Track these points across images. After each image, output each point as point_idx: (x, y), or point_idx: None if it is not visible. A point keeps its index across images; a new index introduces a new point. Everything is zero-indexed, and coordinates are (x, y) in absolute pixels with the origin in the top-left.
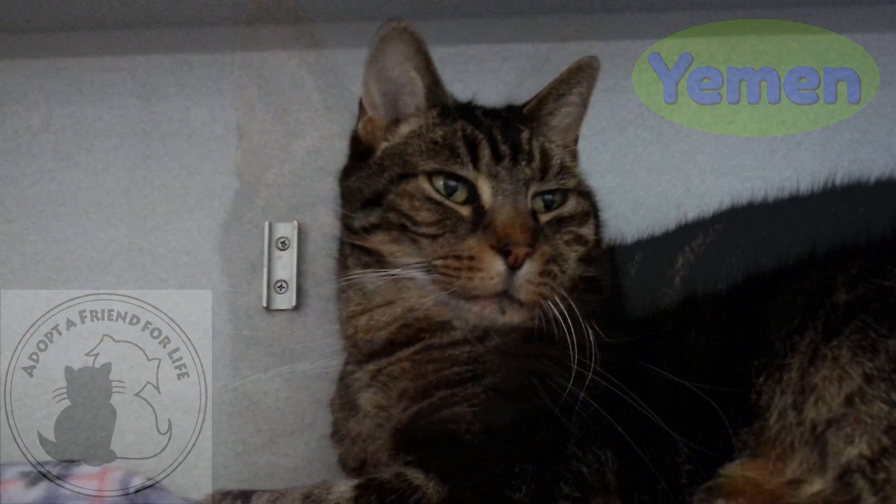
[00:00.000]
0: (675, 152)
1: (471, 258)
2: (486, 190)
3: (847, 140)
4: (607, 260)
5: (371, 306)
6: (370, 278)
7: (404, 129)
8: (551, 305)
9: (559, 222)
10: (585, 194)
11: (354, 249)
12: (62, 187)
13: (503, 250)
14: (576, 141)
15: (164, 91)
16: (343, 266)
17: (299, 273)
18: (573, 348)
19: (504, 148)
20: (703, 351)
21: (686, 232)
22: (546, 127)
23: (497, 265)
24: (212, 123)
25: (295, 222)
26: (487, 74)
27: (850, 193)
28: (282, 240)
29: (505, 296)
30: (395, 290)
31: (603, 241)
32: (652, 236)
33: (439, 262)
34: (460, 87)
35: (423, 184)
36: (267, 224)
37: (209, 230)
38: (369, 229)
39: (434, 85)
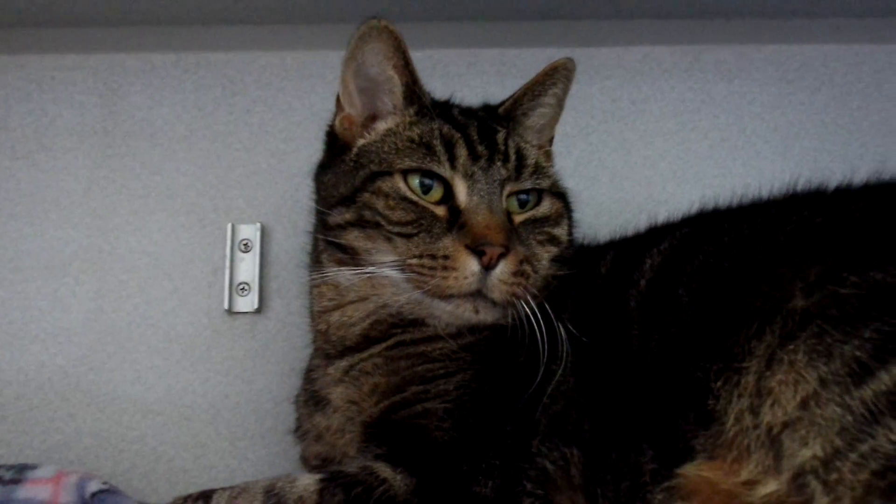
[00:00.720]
0: (638, 159)
1: (445, 257)
2: (461, 190)
3: (805, 149)
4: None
5: (344, 302)
6: (344, 275)
7: (381, 127)
8: (524, 304)
9: (533, 223)
10: (559, 195)
11: (329, 245)
12: (20, 186)
13: (478, 250)
14: (551, 141)
15: (126, 90)
16: (316, 262)
17: (262, 275)
18: (543, 346)
19: (481, 148)
20: (664, 355)
21: (654, 235)
22: (521, 127)
23: (472, 265)
24: (175, 123)
25: (258, 224)
26: (453, 79)
27: (808, 201)
28: (244, 242)
29: (479, 295)
30: (370, 286)
31: (575, 241)
32: (623, 238)
33: (414, 262)
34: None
35: (399, 182)
36: (230, 226)
37: (171, 231)
38: (344, 226)
39: (412, 83)
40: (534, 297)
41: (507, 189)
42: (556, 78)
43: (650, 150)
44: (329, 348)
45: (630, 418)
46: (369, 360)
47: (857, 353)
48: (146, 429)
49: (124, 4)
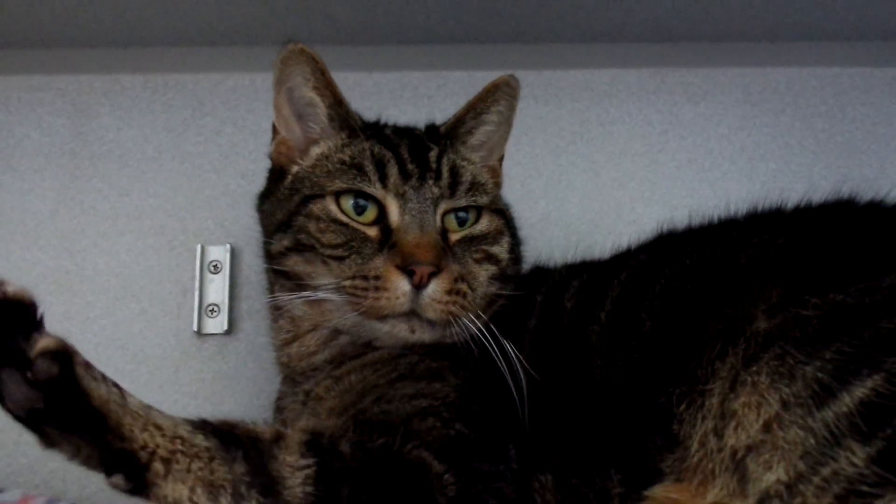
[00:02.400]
0: (607, 180)
1: (377, 278)
2: (393, 209)
3: (771, 170)
4: (533, 280)
5: (301, 332)
6: (295, 304)
7: (315, 152)
8: (468, 323)
9: (471, 241)
10: (499, 212)
11: (277, 275)
12: None
13: (408, 270)
14: (501, 160)
15: (94, 111)
16: (271, 293)
17: (232, 297)
18: (502, 365)
19: (412, 167)
20: (628, 382)
21: (615, 264)
22: (464, 146)
23: (402, 285)
24: (143, 144)
25: (228, 245)
26: (423, 101)
27: (768, 222)
28: (214, 263)
29: (413, 315)
30: (319, 313)
31: (521, 259)
32: (586, 264)
33: (347, 283)
34: (395, 113)
35: (330, 205)
36: (199, 247)
37: (139, 253)
38: (284, 253)
39: (336, 105)
40: (476, 316)
41: (442, 207)
42: (497, 95)
43: (619, 172)
44: (295, 376)
45: (596, 444)
46: (321, 384)
47: (819, 375)
48: None
49: (92, 25)
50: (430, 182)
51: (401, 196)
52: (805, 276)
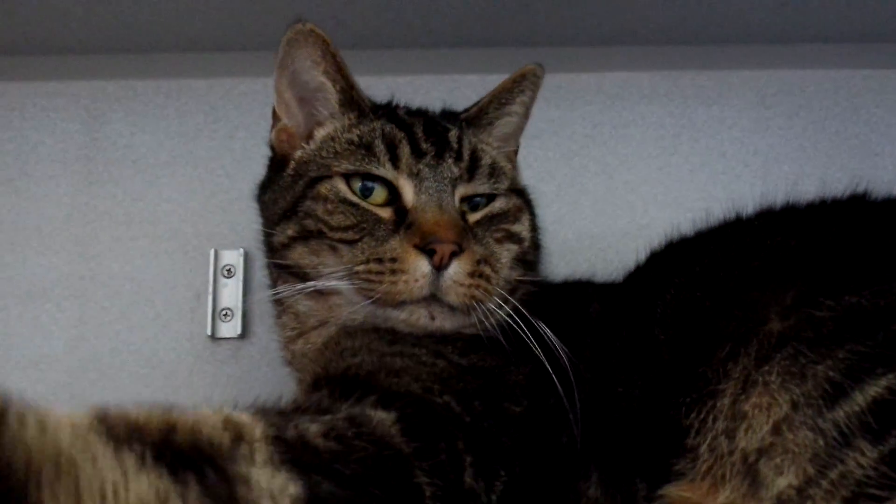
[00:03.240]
0: (620, 183)
1: (393, 260)
2: (407, 189)
3: (784, 172)
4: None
5: (306, 329)
6: (299, 299)
7: (320, 134)
8: (493, 308)
9: (489, 220)
10: (518, 192)
11: (280, 271)
12: (1, 213)
13: (427, 249)
14: (515, 152)
15: (108, 116)
16: (273, 288)
17: (245, 301)
18: (540, 355)
19: (426, 145)
20: (641, 383)
21: (631, 284)
22: (486, 135)
23: (422, 266)
24: (157, 150)
25: (241, 250)
26: (435, 104)
27: (781, 224)
28: (227, 267)
29: (433, 300)
30: (326, 307)
31: (541, 246)
32: (605, 286)
33: (360, 268)
34: None
35: (339, 184)
36: (212, 251)
37: (153, 257)
38: (288, 244)
39: (348, 89)
40: (504, 300)
41: (460, 190)
42: (524, 85)
43: (631, 175)
44: (297, 371)
45: (624, 454)
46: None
47: (831, 374)
48: None
49: (106, 32)
50: (450, 161)
51: (415, 175)
52: (819, 279)
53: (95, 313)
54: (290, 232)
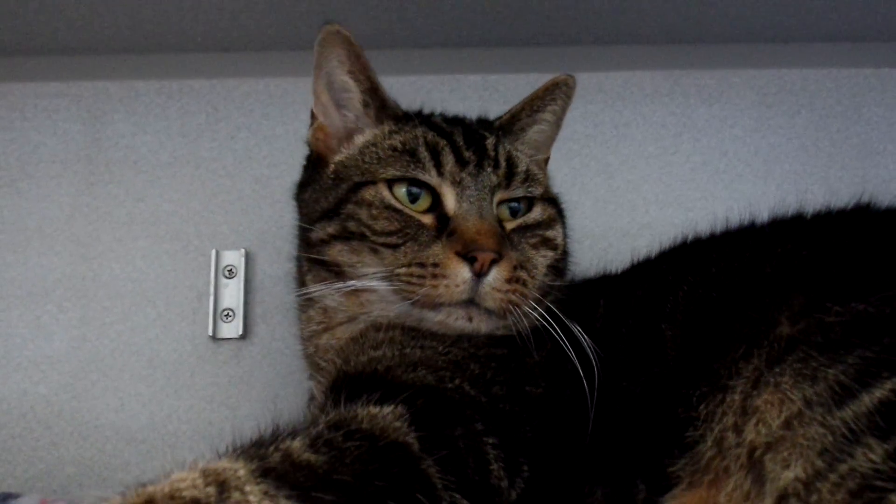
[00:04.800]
0: (621, 183)
1: (435, 265)
2: (449, 197)
3: (786, 171)
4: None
5: (333, 324)
6: (330, 293)
7: (359, 140)
8: (528, 311)
9: (525, 228)
10: (551, 201)
11: (313, 265)
12: (3, 214)
13: (469, 257)
14: (546, 162)
15: (109, 117)
16: (301, 284)
17: (247, 301)
18: (571, 354)
19: (468, 154)
20: (643, 375)
21: (635, 276)
22: (519, 142)
23: (463, 272)
24: (158, 150)
25: (242, 250)
26: (438, 105)
27: (791, 233)
28: (229, 268)
29: (471, 304)
30: (357, 304)
31: (570, 253)
32: (609, 279)
33: (402, 271)
34: None
35: (383, 191)
36: (214, 252)
37: (154, 258)
38: (327, 241)
39: (371, 91)
40: (539, 302)
41: (498, 196)
42: (556, 94)
43: (633, 175)
44: (319, 374)
45: (625, 455)
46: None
47: (841, 377)
48: (130, 456)
49: (107, 32)
50: (489, 169)
51: (457, 183)
52: (827, 286)
53: (97, 314)
54: (330, 230)
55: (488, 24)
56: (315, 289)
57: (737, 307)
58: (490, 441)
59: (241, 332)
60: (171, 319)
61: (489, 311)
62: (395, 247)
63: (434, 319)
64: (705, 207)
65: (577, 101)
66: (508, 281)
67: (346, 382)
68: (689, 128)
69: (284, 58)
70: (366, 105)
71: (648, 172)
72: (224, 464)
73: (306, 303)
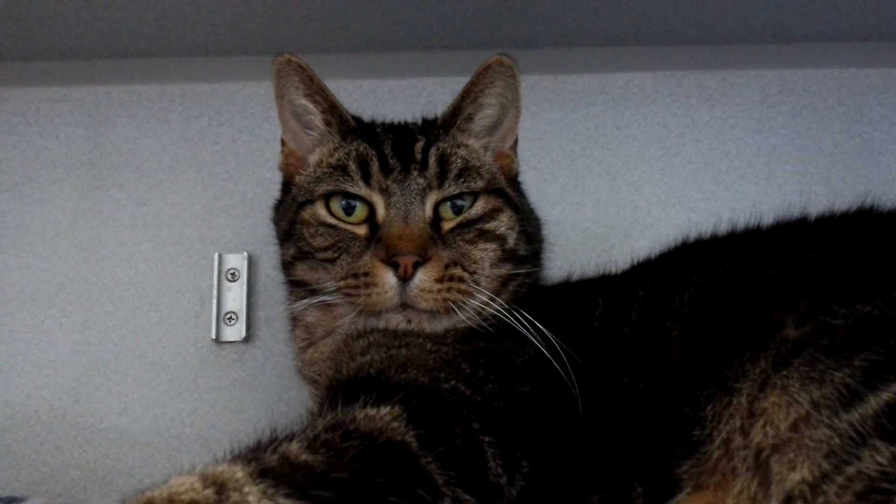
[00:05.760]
0: (623, 184)
1: (366, 274)
2: (380, 206)
3: (789, 172)
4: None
5: (315, 339)
6: (308, 311)
7: (312, 159)
8: (480, 305)
9: (465, 225)
10: (497, 191)
11: (291, 285)
12: (5, 218)
13: (392, 262)
14: (514, 146)
15: (111, 122)
16: (288, 303)
17: (249, 305)
18: (541, 343)
19: (393, 161)
20: (653, 389)
21: (637, 275)
22: (464, 133)
23: (389, 278)
24: (160, 154)
25: (245, 253)
26: (438, 107)
27: (796, 236)
28: (231, 271)
29: (407, 307)
30: (331, 318)
31: (537, 238)
32: (608, 278)
33: (342, 283)
34: (410, 119)
35: (319, 209)
36: (216, 255)
37: (157, 261)
38: (292, 262)
39: (330, 110)
40: (491, 298)
41: (433, 197)
42: (492, 77)
43: (635, 176)
44: (312, 386)
45: (622, 458)
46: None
47: (848, 380)
48: (133, 460)
49: (109, 37)
50: (415, 173)
51: (384, 191)
52: (833, 289)
53: (100, 318)
54: (291, 251)
55: (490, 27)
56: (294, 307)
57: (743, 310)
58: (487, 439)
59: (244, 336)
60: (174, 323)
61: (428, 312)
62: (332, 261)
63: (379, 326)
64: (707, 208)
65: (579, 103)
66: (440, 280)
67: (340, 388)
68: (691, 129)
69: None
70: (328, 124)
71: (650, 173)
72: (222, 467)
73: (292, 321)
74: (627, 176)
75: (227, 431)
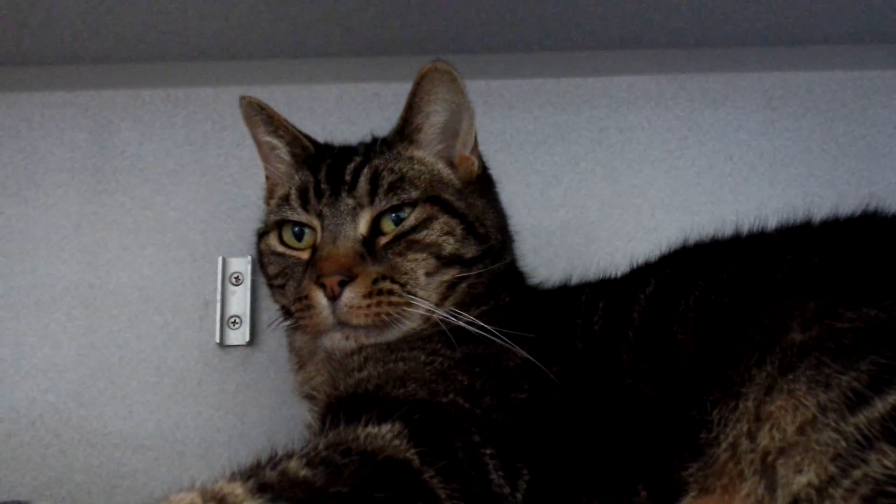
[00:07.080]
0: (626, 187)
1: (305, 297)
2: (318, 229)
3: (792, 175)
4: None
5: (304, 361)
6: (292, 334)
7: (278, 192)
8: (421, 313)
9: (399, 238)
10: (433, 199)
11: (280, 310)
12: (10, 223)
13: (320, 283)
14: (474, 148)
15: (116, 126)
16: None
17: (253, 308)
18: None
19: (325, 186)
20: (658, 393)
21: (638, 278)
22: (414, 144)
23: (321, 299)
24: (164, 158)
25: (249, 257)
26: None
27: (801, 240)
28: (235, 275)
29: (343, 325)
30: (311, 340)
31: (489, 237)
32: (610, 282)
33: (293, 308)
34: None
35: (271, 239)
36: (220, 259)
37: (161, 265)
38: (269, 287)
39: (293, 142)
40: (437, 304)
41: (367, 215)
42: (429, 85)
43: (638, 179)
44: (310, 403)
45: (624, 463)
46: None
47: (854, 384)
48: (138, 464)
49: (113, 41)
50: (344, 195)
51: (319, 215)
52: (839, 292)
53: (104, 322)
54: (264, 279)
55: (492, 30)
56: (275, 326)
57: (748, 314)
58: (488, 452)
59: (248, 339)
60: (179, 327)
61: (363, 327)
62: (282, 287)
63: (326, 345)
64: (711, 211)
65: (582, 106)
66: (367, 296)
67: (339, 405)
68: (695, 131)
69: (289, 66)
70: (293, 156)
71: (654, 177)
72: (222, 483)
73: (287, 344)
74: (631, 179)
75: (231, 435)
